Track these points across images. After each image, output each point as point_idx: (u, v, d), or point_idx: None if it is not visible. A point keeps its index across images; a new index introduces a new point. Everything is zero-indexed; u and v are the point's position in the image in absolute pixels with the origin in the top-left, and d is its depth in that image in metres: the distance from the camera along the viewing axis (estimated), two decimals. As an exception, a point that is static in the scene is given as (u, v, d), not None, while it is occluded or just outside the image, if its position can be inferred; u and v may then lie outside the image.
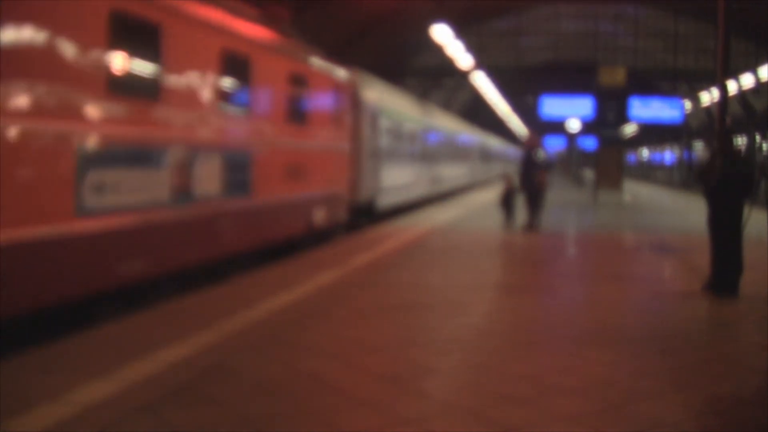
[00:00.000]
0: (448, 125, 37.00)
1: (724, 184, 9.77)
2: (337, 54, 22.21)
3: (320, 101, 15.71)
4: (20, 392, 5.29)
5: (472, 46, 32.45)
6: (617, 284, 10.76)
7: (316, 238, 15.72)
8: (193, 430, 4.74)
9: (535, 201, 18.46)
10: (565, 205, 27.46)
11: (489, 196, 32.34)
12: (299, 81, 14.31)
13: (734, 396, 5.72)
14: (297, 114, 14.21)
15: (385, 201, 22.23)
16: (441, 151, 34.17)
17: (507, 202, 19.24)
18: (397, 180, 24.14)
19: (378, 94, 22.07)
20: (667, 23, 43.11)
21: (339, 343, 6.99)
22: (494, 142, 64.41)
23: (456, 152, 39.55)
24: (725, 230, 9.82)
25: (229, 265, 11.83)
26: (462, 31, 29.63)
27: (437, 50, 33.20)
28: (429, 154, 30.87)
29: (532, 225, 18.18)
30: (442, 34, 25.78)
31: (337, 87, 16.98)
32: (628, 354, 6.87)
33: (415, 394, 5.56)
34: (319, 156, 15.62)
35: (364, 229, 18.45)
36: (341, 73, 17.67)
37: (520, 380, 5.94)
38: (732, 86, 36.42)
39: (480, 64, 36.13)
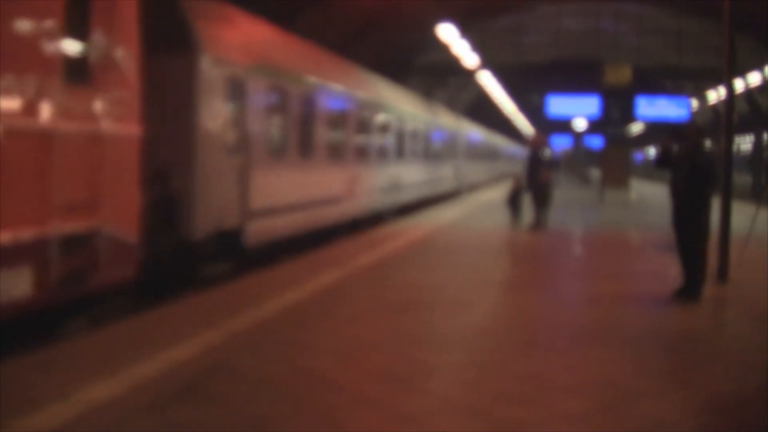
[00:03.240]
0: (412, 110, 26.06)
1: (690, 179, 9.34)
2: (340, 51, 22.01)
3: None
4: (26, 391, 5.33)
5: (475, 45, 32.36)
6: (619, 283, 10.76)
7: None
8: (196, 429, 4.78)
9: (541, 199, 18.47)
10: (571, 204, 27.45)
11: (483, 201, 32.29)
12: None
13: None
14: None
15: (270, 229, 13.21)
16: (401, 145, 24.03)
17: (514, 201, 19.29)
18: (303, 191, 14.93)
19: (244, 36, 12.84)
20: (671, 21, 43.04)
21: (342, 342, 7.02)
22: (497, 139, 59.08)
23: (430, 147, 28.75)
24: (689, 229, 9.44)
25: (235, 265, 11.82)
26: (465, 29, 29.53)
27: (441, 49, 33.18)
28: (375, 148, 20.82)
29: (538, 223, 18.19)
30: (447, 32, 25.78)
31: None
32: (627, 353, 6.89)
33: (416, 392, 5.59)
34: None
35: (218, 285, 10.17)
36: None
37: (521, 378, 5.96)
38: (739, 84, 36.34)
39: (485, 63, 36.07)
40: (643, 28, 45.78)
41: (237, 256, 12.01)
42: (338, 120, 17.54)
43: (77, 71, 7.63)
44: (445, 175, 32.15)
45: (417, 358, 6.54)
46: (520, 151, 73.38)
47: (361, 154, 19.46)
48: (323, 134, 16.15)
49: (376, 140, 20.86)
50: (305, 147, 15.12)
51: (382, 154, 21.61)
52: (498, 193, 32.30)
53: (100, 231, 7.92)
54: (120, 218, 8.37)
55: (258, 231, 12.50)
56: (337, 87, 17.42)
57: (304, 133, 15.05)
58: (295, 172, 14.55)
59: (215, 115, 11.09)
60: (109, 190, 8.07)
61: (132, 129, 8.54)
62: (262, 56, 13.11)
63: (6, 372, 5.78)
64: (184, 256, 10.58)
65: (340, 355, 6.54)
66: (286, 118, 14.11)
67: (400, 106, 24.22)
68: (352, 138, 18.58)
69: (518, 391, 5.62)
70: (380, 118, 21.42)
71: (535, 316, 8.52)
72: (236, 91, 11.77)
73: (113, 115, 8.15)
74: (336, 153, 17.32)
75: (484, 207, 25.58)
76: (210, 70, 10.92)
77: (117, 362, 6.06)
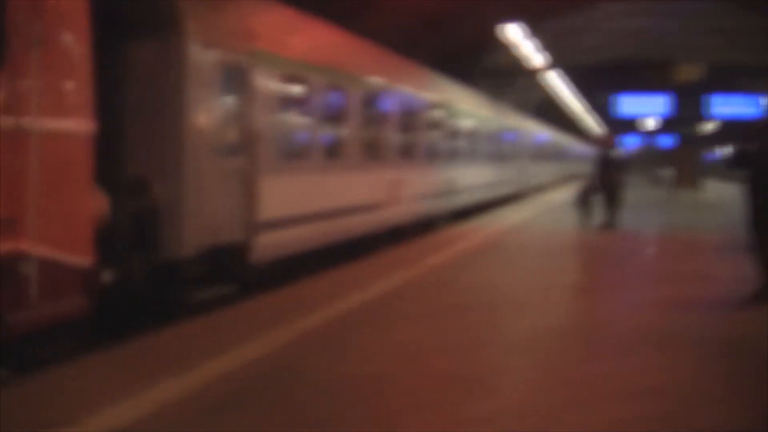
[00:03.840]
0: (469, 108, 23.55)
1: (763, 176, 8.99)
2: (404, 51, 21.80)
3: None
4: (100, 389, 5.39)
5: (542, 45, 32.03)
6: (692, 285, 10.49)
7: None
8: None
9: (611, 200, 18.20)
10: (642, 204, 26.92)
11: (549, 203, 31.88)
12: None
13: None
14: None
15: (287, 241, 11.23)
16: (457, 145, 21.37)
17: (584, 202, 19.02)
18: (330, 197, 12.87)
19: (250, 19, 10.88)
20: (744, 18, 42.04)
21: (407, 344, 6.96)
22: (563, 139, 56.17)
23: (490, 148, 26.16)
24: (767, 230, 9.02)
25: (303, 265, 11.75)
26: (532, 29, 29.20)
27: (509, 50, 32.91)
28: (424, 149, 18.33)
29: (608, 224, 17.91)
30: (513, 33, 25.54)
31: None
32: (700, 356, 6.70)
33: (481, 395, 5.50)
34: None
35: (188, 319, 8.10)
36: None
37: (589, 382, 5.83)
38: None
39: (552, 63, 35.68)
40: (714, 26, 44.77)
41: (242, 274, 10.08)
42: (377, 117, 15.37)
43: None
44: (508, 177, 29.54)
45: (483, 360, 6.46)
46: (588, 151, 72.24)
47: (406, 155, 17.04)
48: (357, 133, 14.03)
49: (425, 140, 18.33)
50: (334, 147, 13.25)
51: (433, 155, 19.08)
52: (565, 194, 31.90)
53: (28, 255, 6.13)
54: (62, 237, 6.60)
55: (270, 245, 10.59)
56: (374, 80, 15.30)
57: (333, 132, 13.20)
58: (320, 176, 12.51)
59: (208, 109, 9.30)
60: (43, 202, 6.27)
61: (78, 125, 6.74)
62: (275, 42, 11.22)
63: (69, 370, 5.86)
64: (169, 277, 8.81)
65: (404, 358, 6.49)
66: (308, 115, 12.20)
67: (456, 104, 21.70)
68: (395, 138, 16.28)
69: (585, 394, 5.49)
70: (431, 115, 19.08)
71: (605, 319, 8.35)
72: (237, 81, 9.95)
73: (48, 108, 6.40)
74: (374, 155, 15.18)
75: (551, 208, 25.28)
76: (201, 55, 9.15)
77: (195, 359, 6.11)
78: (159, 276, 8.69)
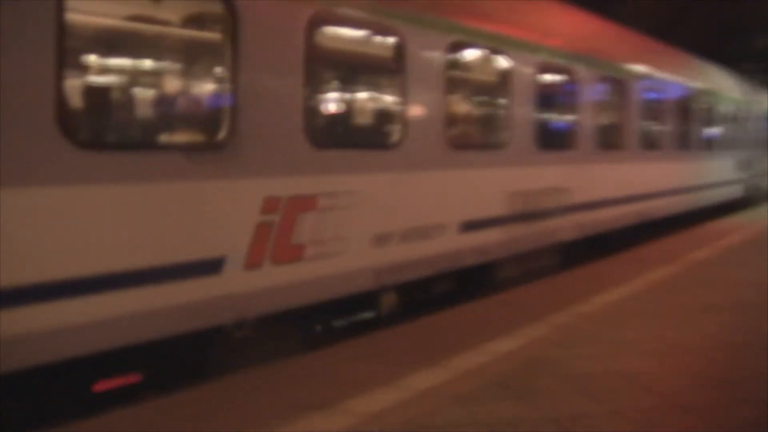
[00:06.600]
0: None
1: None
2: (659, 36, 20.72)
3: None
4: (356, 377, 5.66)
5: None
6: None
7: None
8: (497, 424, 4.80)
9: None
10: None
11: None
12: None
13: None
14: None
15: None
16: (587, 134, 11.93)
17: None
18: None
19: None
20: None
21: (659, 343, 6.73)
22: None
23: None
24: None
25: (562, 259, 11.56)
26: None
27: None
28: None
29: None
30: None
31: None
32: None
33: (740, 400, 5.25)
34: None
35: None
36: None
37: None
38: None
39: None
40: None
41: None
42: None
43: None
44: (721, 178, 19.72)
45: (739, 363, 6.17)
46: None
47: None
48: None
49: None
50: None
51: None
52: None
53: None
54: None
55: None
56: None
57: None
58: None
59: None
60: None
61: None
62: None
63: (336, 359, 6.20)
64: None
65: (657, 356, 6.30)
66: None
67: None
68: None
69: None
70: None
71: None
72: None
73: None
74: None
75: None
76: None
77: (448, 350, 6.27)
78: None
